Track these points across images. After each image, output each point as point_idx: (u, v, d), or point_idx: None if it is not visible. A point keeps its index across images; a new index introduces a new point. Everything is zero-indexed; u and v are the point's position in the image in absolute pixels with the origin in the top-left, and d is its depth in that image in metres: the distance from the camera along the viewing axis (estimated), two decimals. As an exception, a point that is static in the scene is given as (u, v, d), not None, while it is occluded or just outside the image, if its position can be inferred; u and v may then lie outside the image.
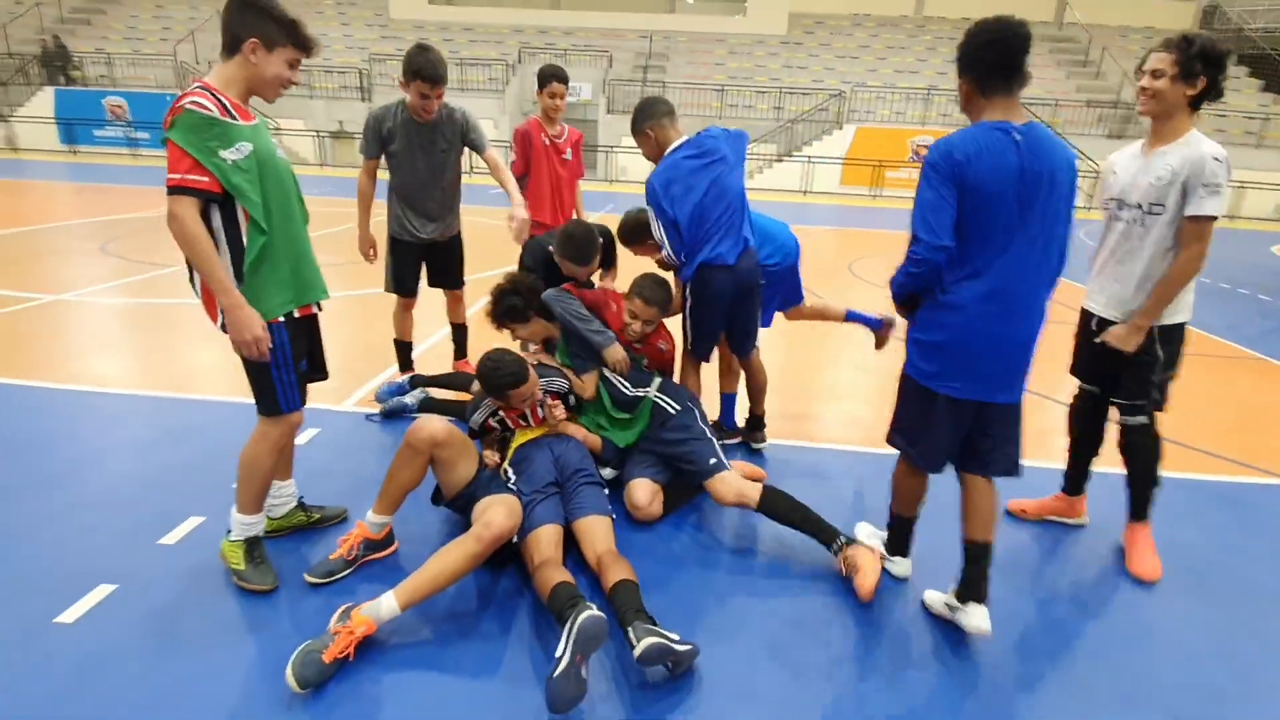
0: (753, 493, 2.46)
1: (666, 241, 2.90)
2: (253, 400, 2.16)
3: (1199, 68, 2.18)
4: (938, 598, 2.21)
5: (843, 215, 14.54)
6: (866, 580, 2.19)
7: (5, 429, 3.14)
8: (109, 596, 2.08)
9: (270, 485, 2.27)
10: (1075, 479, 2.77)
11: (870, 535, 2.58)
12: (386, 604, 1.91)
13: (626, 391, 2.80)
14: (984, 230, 1.86)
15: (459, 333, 4.04)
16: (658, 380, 2.87)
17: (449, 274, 3.80)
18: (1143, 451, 2.50)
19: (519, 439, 2.64)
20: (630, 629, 1.86)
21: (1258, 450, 3.67)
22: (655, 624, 1.90)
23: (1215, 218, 2.21)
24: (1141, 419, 2.46)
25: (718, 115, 20.74)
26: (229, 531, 2.22)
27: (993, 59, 1.86)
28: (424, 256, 3.67)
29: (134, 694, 1.73)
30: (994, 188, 1.81)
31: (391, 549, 2.39)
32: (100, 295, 5.45)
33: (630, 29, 24.50)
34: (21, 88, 20.76)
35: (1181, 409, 4.13)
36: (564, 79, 3.82)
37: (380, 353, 4.25)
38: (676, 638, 1.87)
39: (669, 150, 2.93)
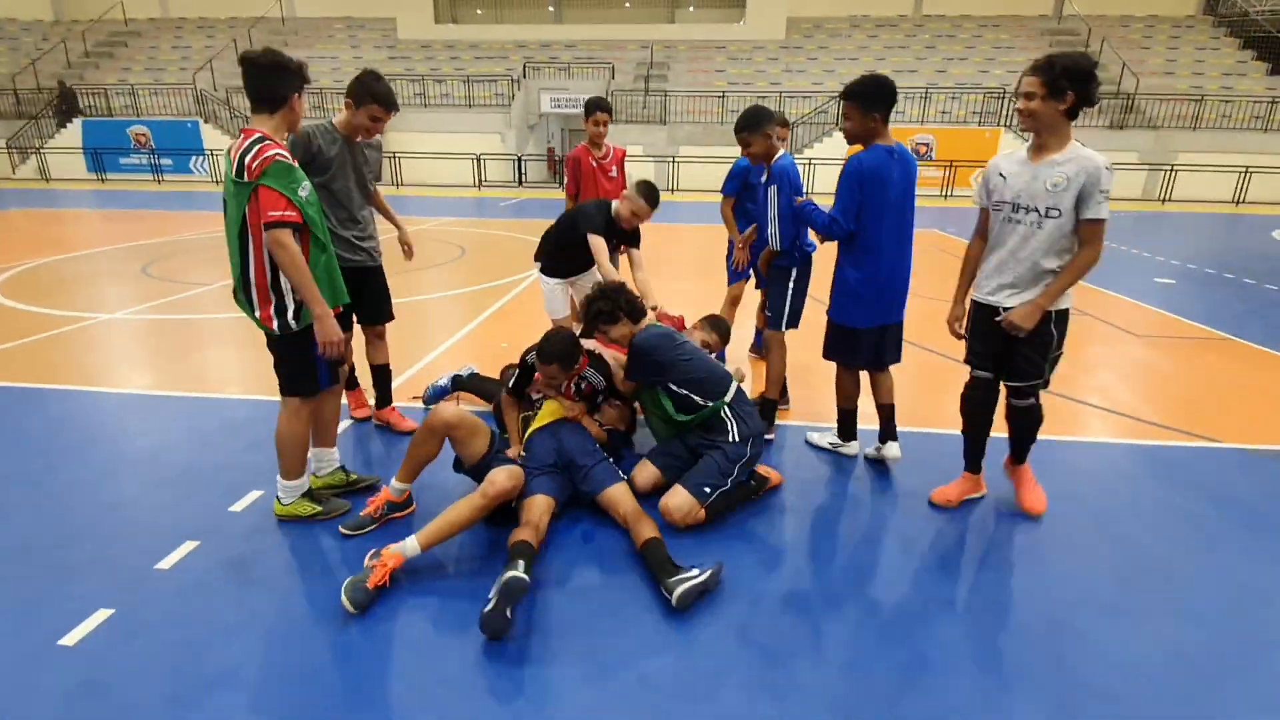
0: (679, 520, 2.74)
1: (778, 222, 3.35)
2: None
3: (1065, 84, 2.40)
4: (821, 438, 3.52)
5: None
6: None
7: (93, 427, 3.62)
8: (194, 550, 2.52)
9: (307, 452, 2.75)
10: (975, 457, 3.00)
11: (820, 436, 3.57)
12: (410, 543, 2.35)
13: (696, 400, 2.91)
14: (877, 211, 3.00)
15: (382, 376, 3.67)
16: (733, 390, 2.96)
17: (378, 305, 3.58)
18: (1029, 422, 2.86)
19: (534, 425, 3.01)
20: (663, 586, 2.29)
21: (1198, 419, 4.00)
22: (680, 569, 2.32)
23: (1106, 220, 2.50)
24: (1031, 400, 2.80)
25: (719, 121, 21.16)
26: (278, 500, 2.71)
27: (888, 99, 2.89)
28: (354, 286, 3.19)
29: (225, 618, 2.17)
30: (882, 186, 2.95)
31: (410, 509, 2.84)
32: (149, 313, 5.97)
33: (631, 40, 25.03)
34: (50, 120, 21.69)
35: (1136, 388, 4.49)
36: (607, 109, 4.30)
37: (403, 353, 4.70)
38: (696, 571, 2.29)
39: (780, 154, 3.42)
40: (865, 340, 3.18)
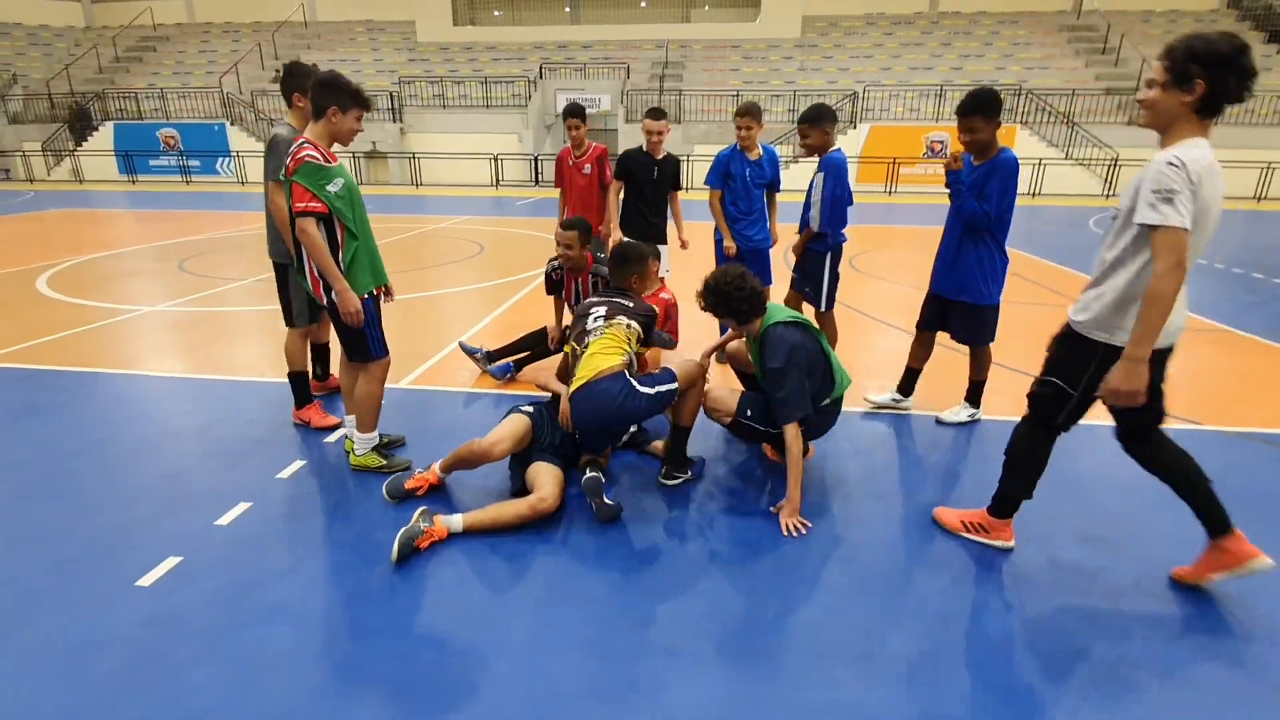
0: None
1: (820, 206, 3.98)
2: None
3: (1194, 70, 1.95)
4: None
5: (856, 212, 14.98)
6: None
7: (148, 405, 3.95)
8: (246, 511, 2.81)
9: (379, 410, 3.15)
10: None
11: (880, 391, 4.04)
12: (456, 521, 2.64)
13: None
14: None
15: (321, 353, 4.06)
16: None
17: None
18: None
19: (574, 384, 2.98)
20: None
21: (1183, 404, 4.16)
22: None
23: (1162, 227, 1.95)
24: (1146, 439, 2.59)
25: (730, 121, 21.32)
26: (352, 452, 3.17)
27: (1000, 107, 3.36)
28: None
29: (279, 561, 2.45)
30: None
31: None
32: (189, 305, 6.33)
33: (646, 39, 25.25)
34: (67, 133, 22.38)
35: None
36: (579, 114, 4.89)
37: (427, 342, 5.00)
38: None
39: (835, 148, 4.09)
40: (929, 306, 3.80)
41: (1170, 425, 3.84)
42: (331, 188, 2.80)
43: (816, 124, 3.95)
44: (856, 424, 3.79)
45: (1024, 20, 25.24)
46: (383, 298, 3.14)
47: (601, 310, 3.07)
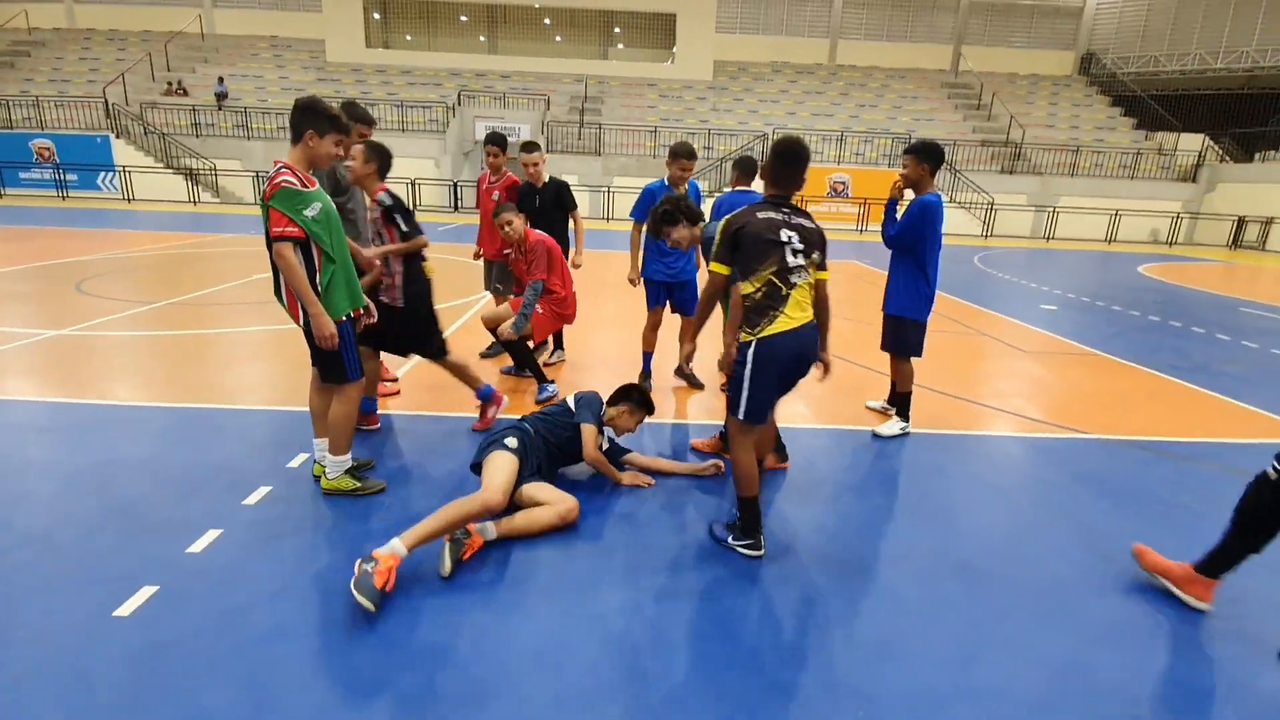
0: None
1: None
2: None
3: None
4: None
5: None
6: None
7: (90, 435, 3.70)
8: (219, 538, 2.73)
9: (354, 432, 3.12)
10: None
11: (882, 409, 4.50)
12: (490, 529, 2.76)
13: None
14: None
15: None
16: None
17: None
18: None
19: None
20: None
21: (1069, 416, 4.79)
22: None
23: None
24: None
25: (651, 154, 22.07)
26: (323, 475, 3.12)
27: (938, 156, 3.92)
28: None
29: (268, 583, 2.41)
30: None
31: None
32: (101, 329, 5.90)
33: (565, 73, 25.77)
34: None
35: (1023, 392, 5.27)
36: (500, 142, 5.20)
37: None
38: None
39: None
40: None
41: (1056, 434, 4.44)
42: (309, 212, 2.83)
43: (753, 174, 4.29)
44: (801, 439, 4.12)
45: (910, 76, 27.77)
46: (363, 319, 3.17)
47: (799, 243, 2.71)
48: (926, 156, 3.88)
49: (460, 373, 3.95)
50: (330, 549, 2.71)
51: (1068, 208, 21.94)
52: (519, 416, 3.40)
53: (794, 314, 2.67)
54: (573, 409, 3.38)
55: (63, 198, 19.85)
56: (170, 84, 23.06)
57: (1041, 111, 25.93)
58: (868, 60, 28.34)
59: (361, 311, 3.15)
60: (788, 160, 2.78)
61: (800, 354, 2.71)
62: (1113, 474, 3.83)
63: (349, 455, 3.16)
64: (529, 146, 5.08)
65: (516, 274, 4.83)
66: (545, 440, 3.23)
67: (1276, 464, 2.34)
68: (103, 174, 20.35)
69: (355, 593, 2.27)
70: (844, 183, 21.84)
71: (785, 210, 2.75)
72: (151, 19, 26.61)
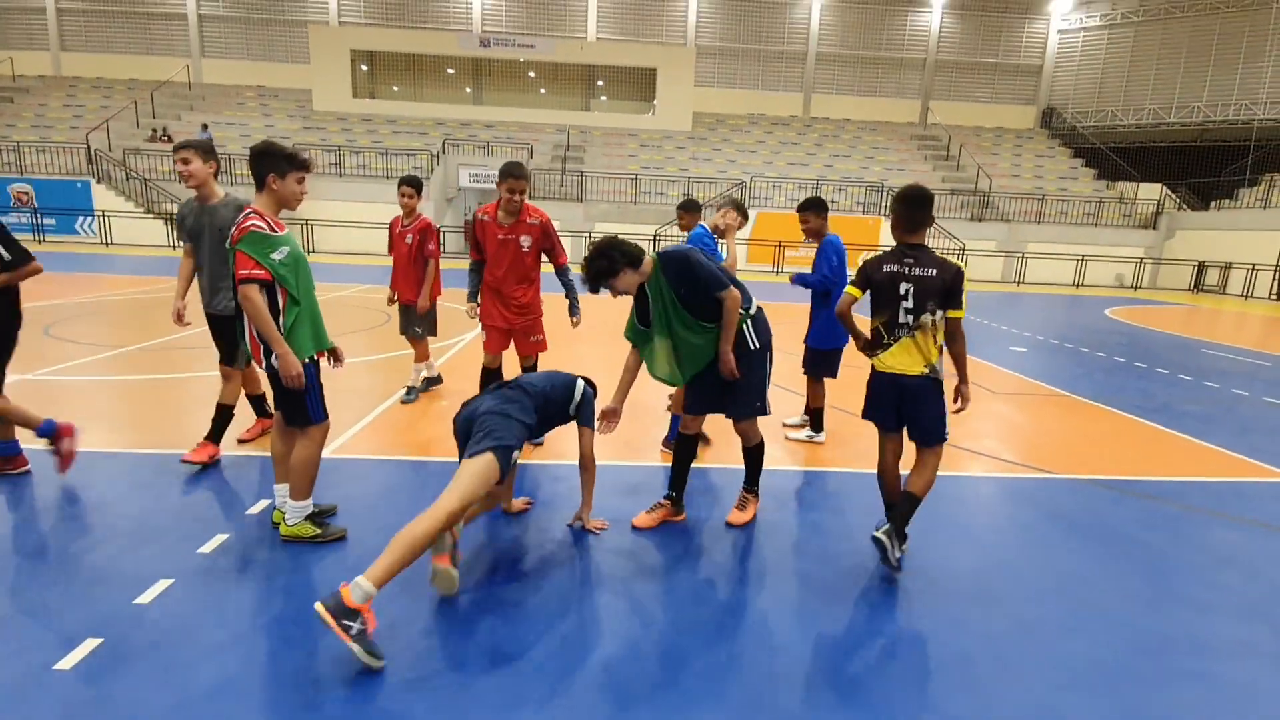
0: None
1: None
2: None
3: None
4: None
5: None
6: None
7: (40, 483, 3.59)
8: (169, 588, 2.64)
9: (315, 478, 3.05)
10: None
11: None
12: (368, 586, 2.25)
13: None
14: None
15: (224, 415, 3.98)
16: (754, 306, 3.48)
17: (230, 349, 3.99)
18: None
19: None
20: None
21: (1038, 456, 4.85)
22: None
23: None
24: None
25: (633, 201, 22.51)
26: (282, 522, 3.04)
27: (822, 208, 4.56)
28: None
29: (214, 636, 2.32)
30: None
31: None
32: (65, 374, 5.79)
33: (548, 123, 26.41)
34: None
35: (995, 433, 5.34)
36: (415, 184, 5.35)
37: (340, 412, 4.89)
38: None
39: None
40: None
41: (1028, 475, 4.48)
42: (276, 255, 2.86)
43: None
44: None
45: (881, 128, 28.81)
46: (330, 362, 3.16)
47: (913, 299, 2.90)
48: (821, 208, 4.57)
49: (12, 415, 3.57)
50: (284, 599, 2.63)
51: (1036, 253, 22.61)
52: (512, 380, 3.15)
53: (894, 360, 2.97)
54: (577, 400, 3.21)
55: (39, 241, 19.69)
56: (154, 130, 23.24)
57: (1006, 162, 26.94)
58: (840, 113, 29.40)
59: (326, 354, 3.15)
60: (912, 204, 2.93)
61: (896, 399, 3.01)
62: (1081, 514, 3.86)
63: (310, 501, 3.10)
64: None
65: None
66: (537, 411, 2.98)
67: None
68: (81, 218, 20.28)
69: (365, 658, 2.18)
70: (820, 229, 22.34)
71: (909, 259, 2.91)
72: (139, 68, 26.97)
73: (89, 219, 20.26)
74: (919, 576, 3.06)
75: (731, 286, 3.17)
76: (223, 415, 3.96)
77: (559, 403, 3.16)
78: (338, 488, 3.70)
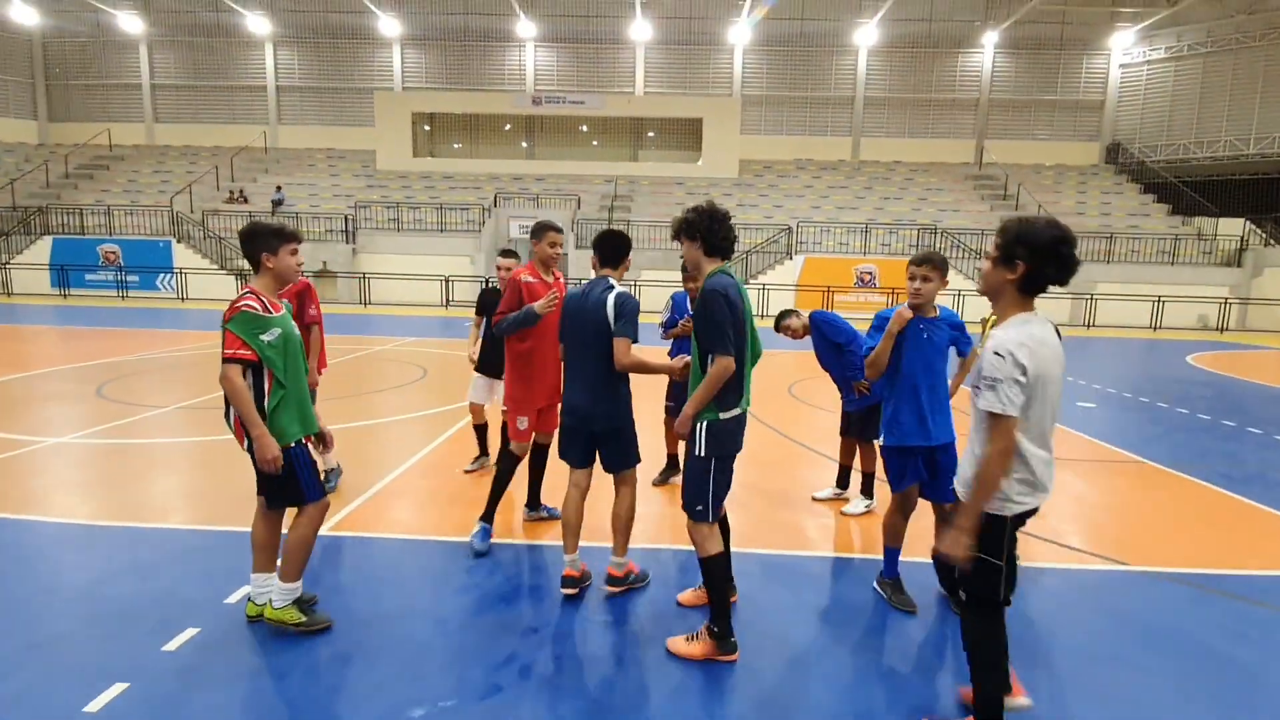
0: None
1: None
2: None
3: (1018, 251, 2.12)
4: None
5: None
6: None
7: (33, 559, 3.58)
8: (123, 693, 2.50)
9: (308, 560, 2.94)
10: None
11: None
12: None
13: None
14: None
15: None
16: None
17: None
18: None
19: None
20: None
21: (1108, 542, 4.29)
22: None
23: (997, 415, 2.09)
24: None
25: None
26: (268, 605, 2.91)
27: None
28: None
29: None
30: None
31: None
32: (98, 437, 5.95)
33: (597, 175, 26.99)
34: (21, 237, 21.98)
35: (1059, 511, 4.78)
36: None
37: (359, 478, 4.79)
38: None
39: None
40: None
41: (1097, 566, 3.94)
42: (266, 336, 2.81)
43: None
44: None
45: (934, 169, 28.18)
46: (316, 448, 3.06)
47: None
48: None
49: None
50: (242, 713, 2.45)
51: (1105, 295, 21.34)
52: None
53: None
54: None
55: (122, 297, 21.13)
56: (232, 192, 24.87)
57: (1070, 200, 25.82)
58: (890, 156, 28.96)
59: (313, 439, 3.05)
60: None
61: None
62: (1158, 618, 3.33)
63: (300, 584, 2.96)
64: (506, 254, 4.95)
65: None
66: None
67: None
68: (161, 275, 21.69)
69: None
70: (871, 273, 21.80)
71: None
72: (223, 136, 29.11)
73: (169, 276, 21.65)
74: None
75: (731, 353, 2.70)
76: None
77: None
78: (340, 569, 3.54)
